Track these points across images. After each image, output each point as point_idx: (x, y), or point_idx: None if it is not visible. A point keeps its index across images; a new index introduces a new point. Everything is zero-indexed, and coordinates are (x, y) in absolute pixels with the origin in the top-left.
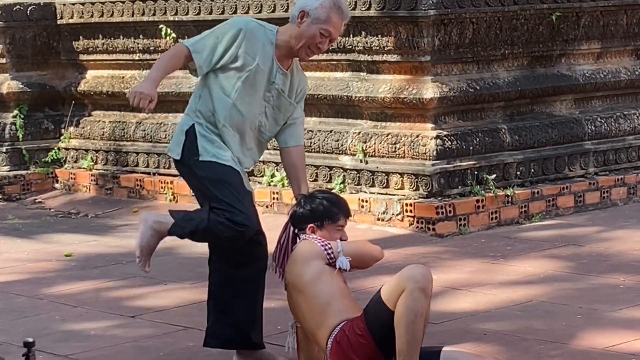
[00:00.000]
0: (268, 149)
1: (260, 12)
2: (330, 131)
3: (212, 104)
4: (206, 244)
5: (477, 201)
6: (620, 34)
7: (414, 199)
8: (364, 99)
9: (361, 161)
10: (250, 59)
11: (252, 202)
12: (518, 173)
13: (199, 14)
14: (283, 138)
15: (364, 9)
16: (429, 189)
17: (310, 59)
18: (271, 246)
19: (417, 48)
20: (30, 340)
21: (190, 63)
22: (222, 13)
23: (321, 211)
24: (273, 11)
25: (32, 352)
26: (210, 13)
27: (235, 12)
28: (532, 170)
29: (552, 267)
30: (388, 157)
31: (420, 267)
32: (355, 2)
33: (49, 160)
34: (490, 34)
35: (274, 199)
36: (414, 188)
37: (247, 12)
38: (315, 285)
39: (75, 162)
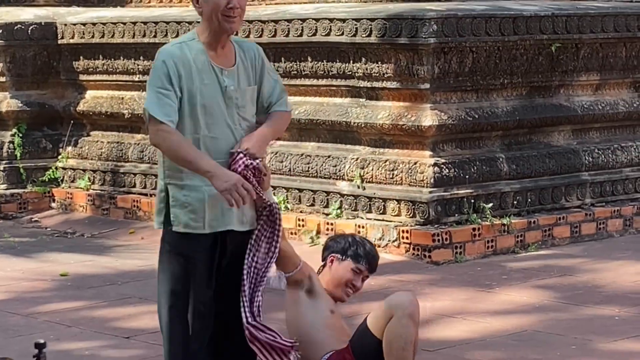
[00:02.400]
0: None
1: (260, 36)
2: (329, 156)
3: None
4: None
5: (474, 229)
6: (619, 66)
7: (411, 225)
8: (363, 125)
9: (359, 187)
10: (191, 82)
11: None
12: (515, 202)
13: None
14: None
15: (364, 35)
16: (425, 216)
17: (239, 23)
18: None
19: (417, 75)
20: (42, 341)
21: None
22: None
23: (346, 247)
24: (274, 35)
25: (43, 354)
26: None
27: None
28: (529, 199)
29: (548, 297)
30: (385, 183)
31: (406, 293)
32: (356, 28)
33: (47, 180)
34: (489, 63)
35: None
36: (410, 215)
37: (247, 36)
38: (293, 319)
39: (72, 181)
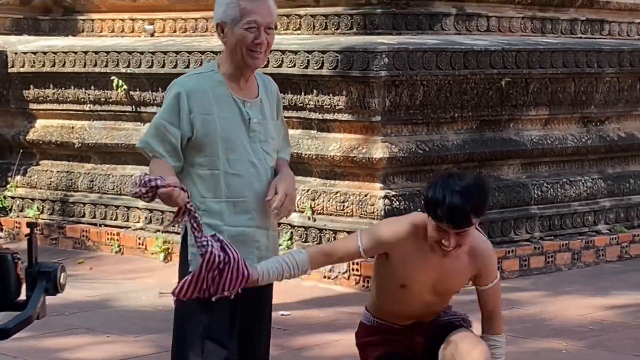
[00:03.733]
0: None
1: None
2: None
3: (200, 187)
4: (144, 298)
5: None
6: (567, 101)
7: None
8: (314, 157)
9: (309, 218)
10: (208, 115)
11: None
12: None
13: (151, 66)
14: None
15: (316, 67)
16: None
17: (264, 59)
18: None
19: (368, 108)
20: (34, 220)
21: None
22: (175, 67)
23: (427, 201)
24: None
25: (34, 233)
26: (163, 66)
27: (188, 66)
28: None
29: None
30: (336, 215)
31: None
32: (308, 60)
33: None
34: (440, 96)
35: None
36: None
37: (200, 65)
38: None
39: (21, 211)
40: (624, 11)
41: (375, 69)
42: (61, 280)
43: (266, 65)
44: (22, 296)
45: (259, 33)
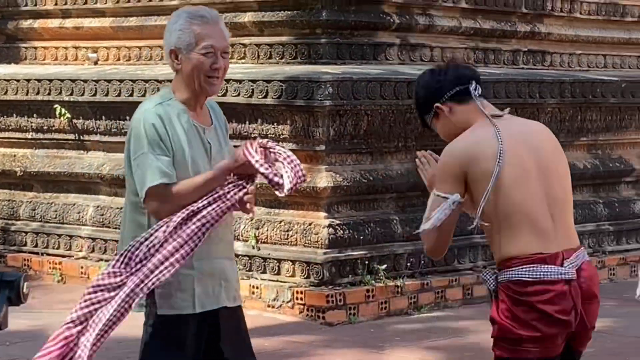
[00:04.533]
0: None
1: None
2: None
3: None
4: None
5: (368, 291)
6: None
7: (305, 286)
8: (258, 186)
9: (253, 247)
10: (179, 146)
11: None
12: (408, 264)
13: (94, 95)
14: None
15: (260, 96)
16: (320, 277)
17: (220, 85)
18: None
19: (312, 137)
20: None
21: None
22: (119, 95)
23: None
24: None
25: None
26: (107, 95)
27: (131, 95)
28: (422, 261)
29: (439, 359)
30: (280, 244)
31: None
32: (253, 89)
33: None
34: (384, 126)
35: None
36: (305, 276)
37: (143, 95)
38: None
39: None
40: (565, 42)
41: (319, 99)
42: (24, 290)
43: None
44: None
45: (216, 58)
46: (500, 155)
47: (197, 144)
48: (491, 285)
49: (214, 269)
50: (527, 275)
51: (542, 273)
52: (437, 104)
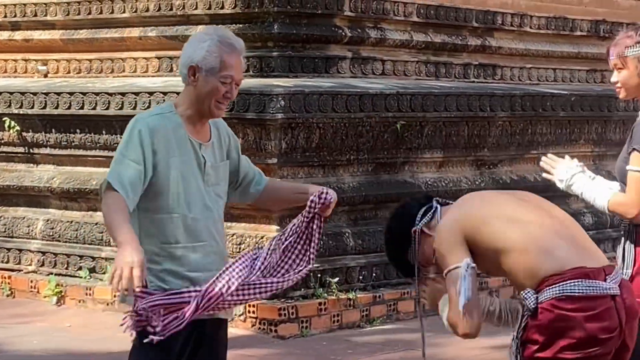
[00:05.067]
0: (110, 246)
1: (107, 108)
2: None
3: (158, 232)
4: (36, 342)
5: (320, 304)
6: (461, 144)
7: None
8: None
9: None
10: (170, 158)
11: None
12: (360, 277)
13: (44, 107)
14: (252, 188)
15: None
16: None
17: (225, 110)
18: None
19: (265, 150)
20: None
21: None
22: (69, 108)
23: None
24: (121, 108)
25: None
26: (57, 107)
27: (82, 107)
28: (375, 274)
29: None
30: (233, 257)
31: None
32: None
33: None
34: (336, 139)
35: (115, 296)
36: None
37: (94, 109)
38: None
39: None
40: (516, 56)
41: (271, 112)
42: None
43: None
44: None
45: (231, 87)
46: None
47: (190, 159)
48: (532, 304)
49: (207, 280)
50: (574, 290)
51: (588, 288)
52: (414, 229)
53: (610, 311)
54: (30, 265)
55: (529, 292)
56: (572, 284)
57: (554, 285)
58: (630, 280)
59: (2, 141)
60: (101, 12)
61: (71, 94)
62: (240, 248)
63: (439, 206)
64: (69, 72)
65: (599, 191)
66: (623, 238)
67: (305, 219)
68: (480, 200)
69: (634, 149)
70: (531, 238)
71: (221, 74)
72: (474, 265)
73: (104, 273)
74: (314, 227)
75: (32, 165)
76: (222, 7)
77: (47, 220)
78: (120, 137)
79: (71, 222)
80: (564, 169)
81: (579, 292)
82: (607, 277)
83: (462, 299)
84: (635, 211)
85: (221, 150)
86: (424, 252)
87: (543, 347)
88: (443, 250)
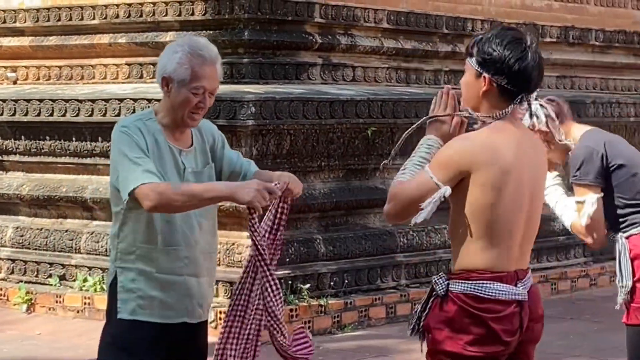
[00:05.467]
0: (81, 253)
1: (77, 115)
2: None
3: (136, 232)
4: (6, 350)
5: (291, 310)
6: None
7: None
8: None
9: None
10: (152, 157)
11: None
12: (332, 283)
13: (14, 114)
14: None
15: None
16: None
17: (200, 119)
18: None
19: None
20: None
21: None
22: (38, 115)
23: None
24: (91, 115)
25: None
26: (26, 114)
27: (52, 114)
28: (346, 280)
29: None
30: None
31: None
32: None
33: None
34: (307, 145)
35: (85, 304)
36: (228, 296)
37: (63, 115)
38: None
39: None
40: None
41: (242, 118)
42: None
43: (133, 113)
44: None
45: (203, 97)
46: (509, 172)
47: (170, 164)
48: (442, 291)
49: (177, 284)
50: (483, 292)
51: (497, 291)
52: (489, 76)
53: (514, 316)
54: None
55: (441, 277)
56: (484, 285)
57: (467, 281)
58: (632, 291)
59: None
60: (71, 19)
61: (41, 100)
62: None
63: (536, 105)
64: (38, 79)
65: (567, 213)
66: (617, 252)
67: (272, 208)
68: (510, 158)
69: (572, 183)
70: (496, 229)
71: (192, 85)
72: (447, 196)
73: (74, 280)
74: (279, 210)
75: (1, 172)
76: (193, 14)
77: (17, 227)
78: (90, 144)
79: (41, 229)
80: None
81: (487, 295)
82: (518, 281)
83: (422, 216)
84: (590, 240)
85: (205, 154)
86: (468, 86)
87: (447, 340)
88: (441, 160)
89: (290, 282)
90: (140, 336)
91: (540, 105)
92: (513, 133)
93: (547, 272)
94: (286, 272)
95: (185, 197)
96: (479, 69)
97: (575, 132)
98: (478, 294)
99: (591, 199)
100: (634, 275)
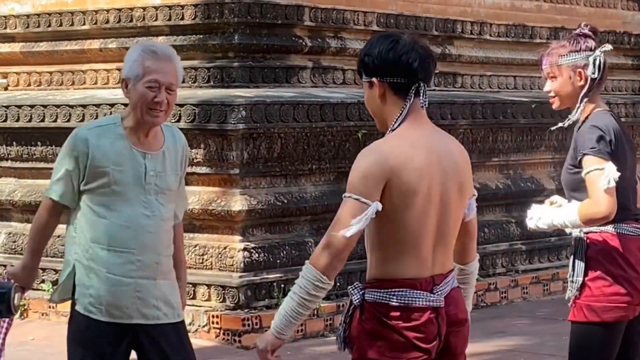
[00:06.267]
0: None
1: (68, 120)
2: None
3: (88, 232)
4: None
5: None
6: None
7: (221, 310)
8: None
9: None
10: (104, 168)
11: None
12: None
13: (5, 120)
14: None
15: (173, 120)
16: (235, 301)
17: (164, 118)
18: None
19: (227, 161)
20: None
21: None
22: (30, 121)
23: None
24: (82, 120)
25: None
26: (17, 120)
27: (43, 120)
28: (338, 283)
29: None
30: (195, 268)
31: None
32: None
33: None
34: (298, 149)
35: (50, 307)
36: (220, 300)
37: (55, 121)
38: None
39: None
40: (476, 64)
41: (232, 122)
42: (15, 301)
43: None
44: None
45: (159, 92)
46: (422, 175)
47: (130, 168)
48: (357, 301)
49: (128, 286)
50: (394, 299)
51: (409, 299)
52: (377, 79)
53: (430, 323)
54: None
55: (356, 287)
56: (395, 293)
57: (379, 290)
58: (582, 288)
59: None
60: (61, 25)
61: (32, 106)
62: (203, 259)
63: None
64: (29, 85)
65: (565, 212)
66: (574, 247)
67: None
68: (420, 159)
69: (584, 154)
70: (402, 236)
71: (145, 80)
72: (379, 210)
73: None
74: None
75: None
76: (182, 18)
77: (9, 233)
78: None
79: None
80: (533, 210)
81: (398, 303)
82: (434, 287)
83: (353, 230)
84: (604, 208)
85: (175, 160)
86: (385, 106)
87: (368, 349)
88: (359, 177)
89: (282, 285)
90: (93, 332)
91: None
92: (420, 133)
93: (539, 273)
94: (278, 275)
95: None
96: (366, 78)
97: (591, 107)
98: (389, 302)
99: (612, 166)
100: (585, 274)
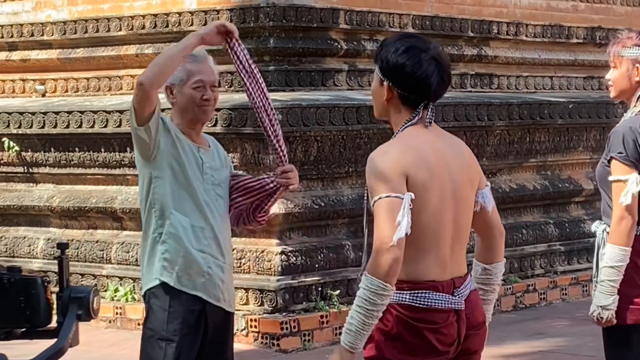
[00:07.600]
0: (112, 263)
1: (105, 126)
2: None
3: (173, 199)
4: None
5: (322, 317)
6: None
7: (259, 314)
8: None
9: None
10: (174, 148)
11: None
12: None
13: (43, 127)
14: None
15: (210, 125)
16: (273, 305)
17: (212, 113)
18: None
19: (263, 165)
20: (65, 241)
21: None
22: (67, 127)
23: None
24: (119, 126)
25: (65, 255)
26: (55, 127)
27: (80, 126)
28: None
29: None
30: (233, 272)
31: None
32: None
33: None
34: (334, 152)
35: (117, 314)
36: (258, 303)
37: (92, 127)
38: None
39: None
40: (512, 65)
41: None
42: (94, 306)
43: None
44: (54, 322)
45: (205, 90)
46: (434, 174)
47: (189, 158)
48: None
49: (202, 259)
50: (418, 302)
51: (432, 301)
52: (389, 84)
53: (451, 325)
54: None
55: None
56: (419, 294)
57: (402, 291)
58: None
59: (2, 161)
60: (97, 31)
61: (69, 112)
62: (240, 263)
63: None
64: (66, 91)
65: (603, 251)
66: (597, 246)
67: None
68: (430, 158)
69: (612, 157)
70: (421, 234)
71: (191, 82)
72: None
73: (105, 291)
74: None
75: (31, 184)
76: None
77: (48, 239)
78: (119, 155)
79: (72, 240)
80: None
81: (422, 305)
82: (455, 290)
83: (402, 232)
84: (626, 220)
85: (221, 160)
86: (390, 107)
87: (385, 349)
88: (380, 176)
89: (320, 288)
90: (191, 307)
91: None
92: (426, 137)
93: (577, 274)
94: (316, 278)
95: (166, 59)
96: (381, 76)
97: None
98: (413, 304)
99: (635, 178)
100: None
